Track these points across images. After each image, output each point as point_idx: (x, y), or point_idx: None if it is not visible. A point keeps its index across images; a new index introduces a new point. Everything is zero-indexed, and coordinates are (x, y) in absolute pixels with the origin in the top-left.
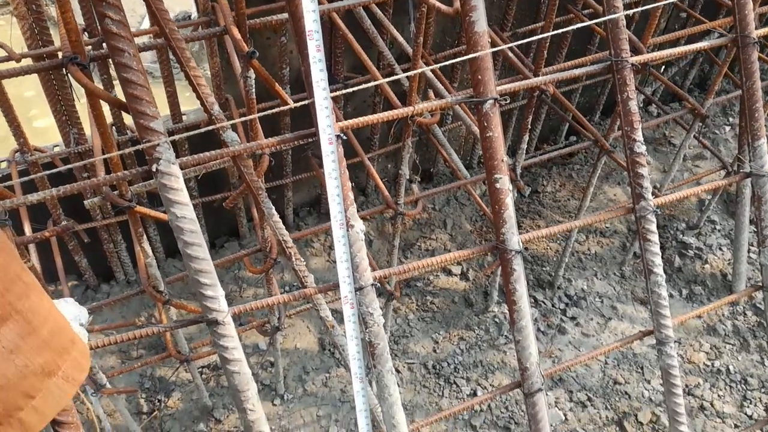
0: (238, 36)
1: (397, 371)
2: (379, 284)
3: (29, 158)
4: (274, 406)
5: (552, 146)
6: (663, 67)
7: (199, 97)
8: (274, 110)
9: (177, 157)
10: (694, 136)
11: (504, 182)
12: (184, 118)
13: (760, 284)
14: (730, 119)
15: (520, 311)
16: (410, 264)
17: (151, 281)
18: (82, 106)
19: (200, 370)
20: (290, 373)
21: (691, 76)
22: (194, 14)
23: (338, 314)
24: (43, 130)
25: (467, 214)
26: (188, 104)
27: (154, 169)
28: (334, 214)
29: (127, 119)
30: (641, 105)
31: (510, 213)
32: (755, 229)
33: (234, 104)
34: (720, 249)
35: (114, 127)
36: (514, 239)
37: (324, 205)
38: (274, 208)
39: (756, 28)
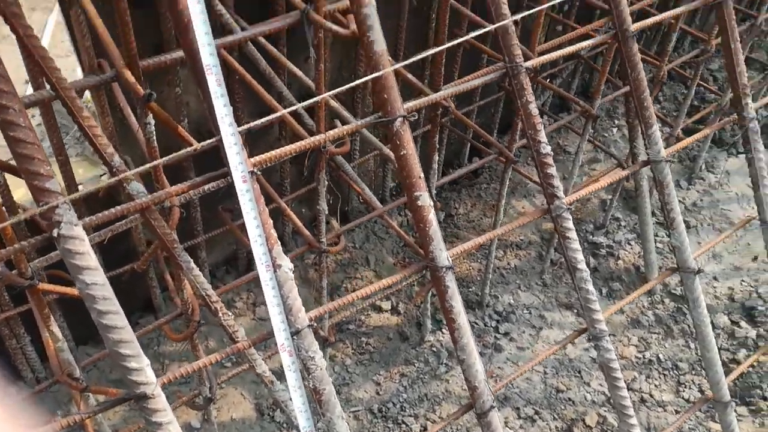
0: (132, 79)
1: None
2: (315, 324)
3: None
4: None
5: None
6: (548, 80)
7: (96, 149)
8: (179, 153)
9: None
10: (588, 139)
11: (425, 199)
12: (80, 188)
13: (676, 266)
14: (616, 121)
15: (460, 329)
16: (343, 299)
17: (64, 369)
18: None
19: None
20: None
21: (575, 86)
22: (79, 74)
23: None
24: None
25: (388, 248)
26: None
27: (55, 235)
28: (259, 256)
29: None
30: None
31: (435, 228)
32: (656, 221)
33: (134, 166)
34: (629, 244)
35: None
36: (443, 255)
37: (242, 261)
38: (192, 261)
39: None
